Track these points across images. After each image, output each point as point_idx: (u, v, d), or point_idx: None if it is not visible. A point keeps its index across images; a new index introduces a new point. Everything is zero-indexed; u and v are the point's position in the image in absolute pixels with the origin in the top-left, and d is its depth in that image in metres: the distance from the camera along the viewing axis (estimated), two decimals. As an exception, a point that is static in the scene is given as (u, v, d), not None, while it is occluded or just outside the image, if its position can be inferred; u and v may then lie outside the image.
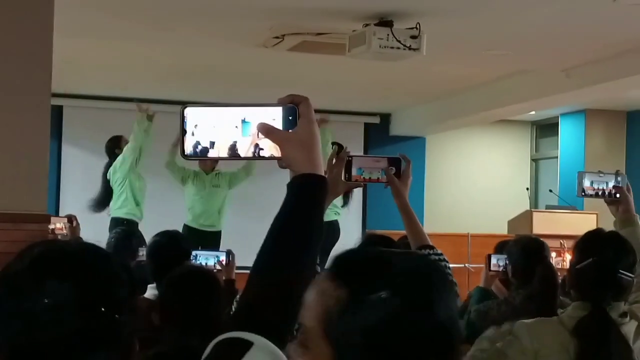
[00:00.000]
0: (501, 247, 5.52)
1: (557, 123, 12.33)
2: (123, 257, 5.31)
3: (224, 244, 8.99)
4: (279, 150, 1.52)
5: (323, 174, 1.53)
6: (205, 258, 4.77)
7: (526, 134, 13.29)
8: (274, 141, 1.51)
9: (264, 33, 7.32)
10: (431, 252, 3.00)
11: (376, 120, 12.48)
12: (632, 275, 3.02)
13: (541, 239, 4.66)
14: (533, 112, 11.90)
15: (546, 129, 13.04)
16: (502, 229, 10.13)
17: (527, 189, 11.85)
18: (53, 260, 1.53)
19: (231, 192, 9.12)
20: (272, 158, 1.53)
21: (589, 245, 3.10)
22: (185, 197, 9.01)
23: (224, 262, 4.77)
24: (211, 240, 8.66)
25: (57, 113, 10.52)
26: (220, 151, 1.51)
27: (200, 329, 2.98)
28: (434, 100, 11.14)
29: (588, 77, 8.62)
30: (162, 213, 9.20)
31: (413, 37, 6.41)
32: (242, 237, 10.42)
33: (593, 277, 2.95)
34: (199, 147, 1.51)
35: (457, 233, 10.90)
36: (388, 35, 6.34)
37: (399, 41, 6.35)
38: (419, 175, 11.18)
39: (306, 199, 1.51)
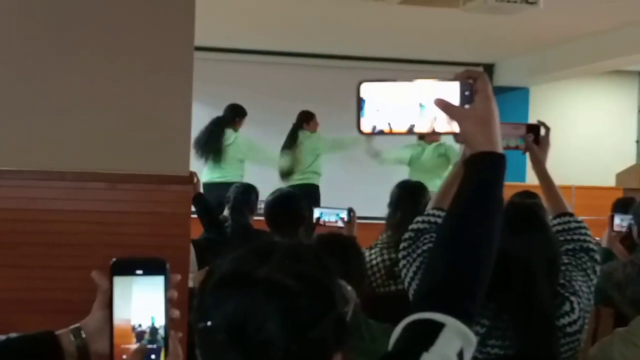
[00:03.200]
0: (621, 204, 5.45)
1: (666, 73, 11.99)
2: (243, 212, 5.45)
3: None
4: (457, 125, 1.53)
5: (501, 151, 1.53)
6: (328, 215, 4.85)
7: (633, 85, 12.96)
8: (452, 117, 1.52)
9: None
10: (571, 219, 3.00)
11: (480, 70, 12.30)
12: None
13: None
14: (641, 63, 11.57)
15: (654, 79, 12.70)
16: (607, 182, 9.96)
17: (638, 141, 11.58)
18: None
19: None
20: (449, 133, 1.54)
21: None
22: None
23: (345, 219, 4.83)
24: (310, 193, 8.74)
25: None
26: (398, 128, 1.53)
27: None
28: (539, 50, 10.92)
29: None
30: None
31: (529, -11, 6.28)
32: (349, 187, 10.48)
33: None
34: (378, 125, 1.52)
35: (561, 185, 10.75)
36: (505, -13, 6.22)
37: (516, -6, 6.23)
38: (523, 127, 10.98)
39: (487, 177, 1.51)
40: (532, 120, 12.73)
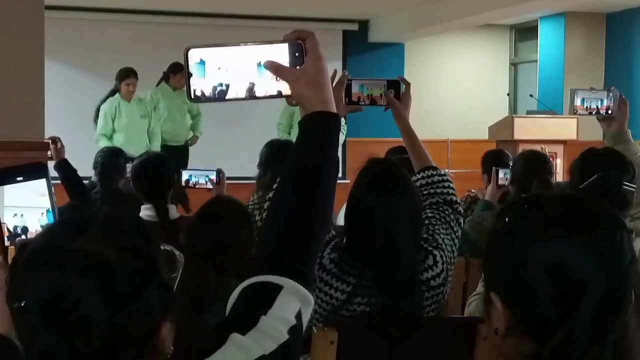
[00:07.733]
0: (491, 156, 5.50)
1: (537, 26, 12.24)
2: (112, 176, 5.30)
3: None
4: (289, 87, 1.49)
5: (334, 110, 1.51)
6: (197, 177, 4.76)
7: (505, 38, 13.20)
8: (283, 79, 1.48)
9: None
10: (434, 172, 3.01)
11: (354, 27, 12.32)
12: (634, 186, 3.08)
13: (547, 156, 4.74)
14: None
15: (525, 32, 12.95)
16: (481, 135, 10.13)
17: (508, 94, 11.84)
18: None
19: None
20: (280, 96, 1.51)
21: (591, 164, 3.13)
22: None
23: (215, 181, 4.75)
24: (181, 155, 8.67)
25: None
26: (214, 93, 1.48)
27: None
28: (413, 6, 10.99)
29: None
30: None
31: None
32: (220, 148, 10.36)
33: (600, 193, 2.97)
34: (205, 91, 1.47)
35: (436, 139, 10.92)
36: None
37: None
38: (398, 83, 11.10)
39: (320, 137, 1.49)
40: (408, 76, 12.90)
